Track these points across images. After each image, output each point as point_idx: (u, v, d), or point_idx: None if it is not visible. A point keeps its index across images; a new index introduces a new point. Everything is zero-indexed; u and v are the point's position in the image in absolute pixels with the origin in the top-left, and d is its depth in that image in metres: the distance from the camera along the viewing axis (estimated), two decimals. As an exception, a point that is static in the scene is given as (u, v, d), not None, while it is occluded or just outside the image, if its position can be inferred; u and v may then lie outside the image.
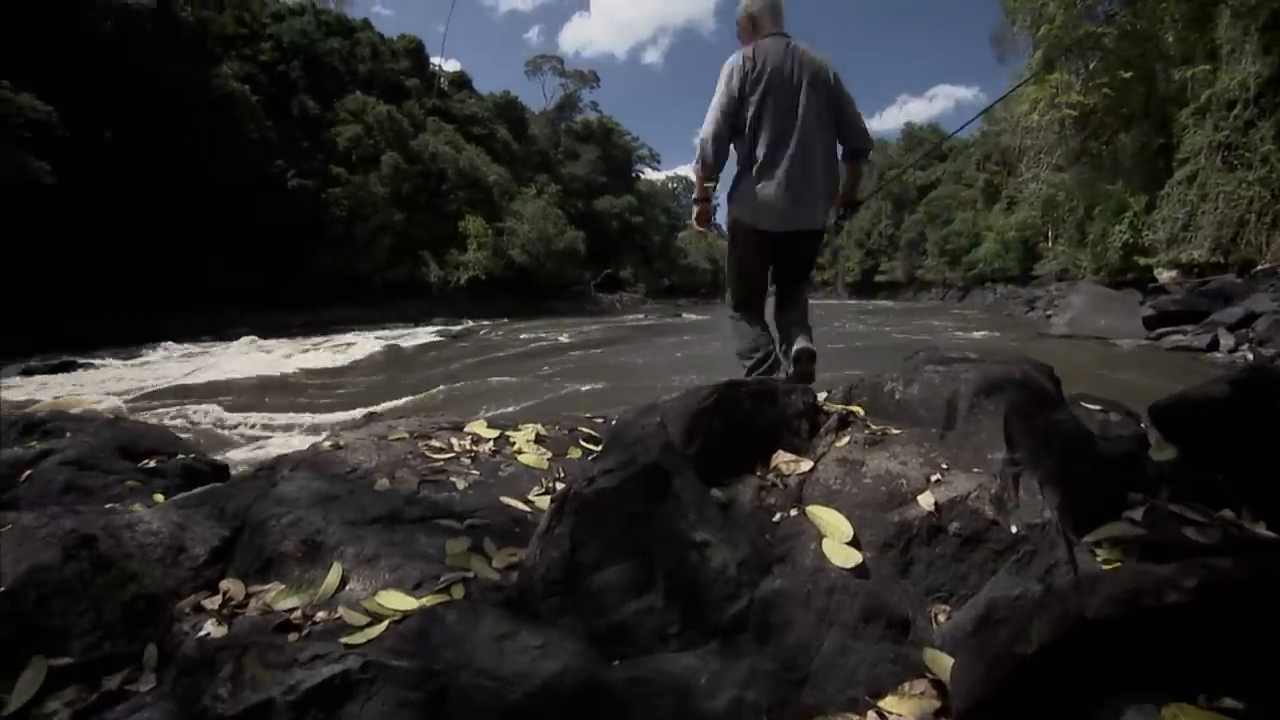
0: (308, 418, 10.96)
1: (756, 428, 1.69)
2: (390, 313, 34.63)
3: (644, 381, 14.03)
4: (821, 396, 2.16)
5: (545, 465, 2.19)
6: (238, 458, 7.41)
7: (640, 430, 1.51)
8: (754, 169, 2.54)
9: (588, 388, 13.59)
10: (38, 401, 11.46)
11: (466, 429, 2.42)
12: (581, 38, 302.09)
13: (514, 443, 2.37)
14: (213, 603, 1.48)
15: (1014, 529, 1.43)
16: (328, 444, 2.04)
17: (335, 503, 1.69)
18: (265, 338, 24.69)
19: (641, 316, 41.72)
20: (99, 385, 14.90)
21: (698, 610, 1.34)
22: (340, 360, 20.22)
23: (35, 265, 23.98)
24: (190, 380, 15.56)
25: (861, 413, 1.95)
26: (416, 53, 49.87)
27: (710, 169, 2.60)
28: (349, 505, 1.68)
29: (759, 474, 1.65)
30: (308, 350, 22.04)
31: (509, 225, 42.04)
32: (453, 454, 2.15)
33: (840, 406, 2.00)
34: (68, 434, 4.50)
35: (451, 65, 73.22)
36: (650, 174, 76.65)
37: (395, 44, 48.64)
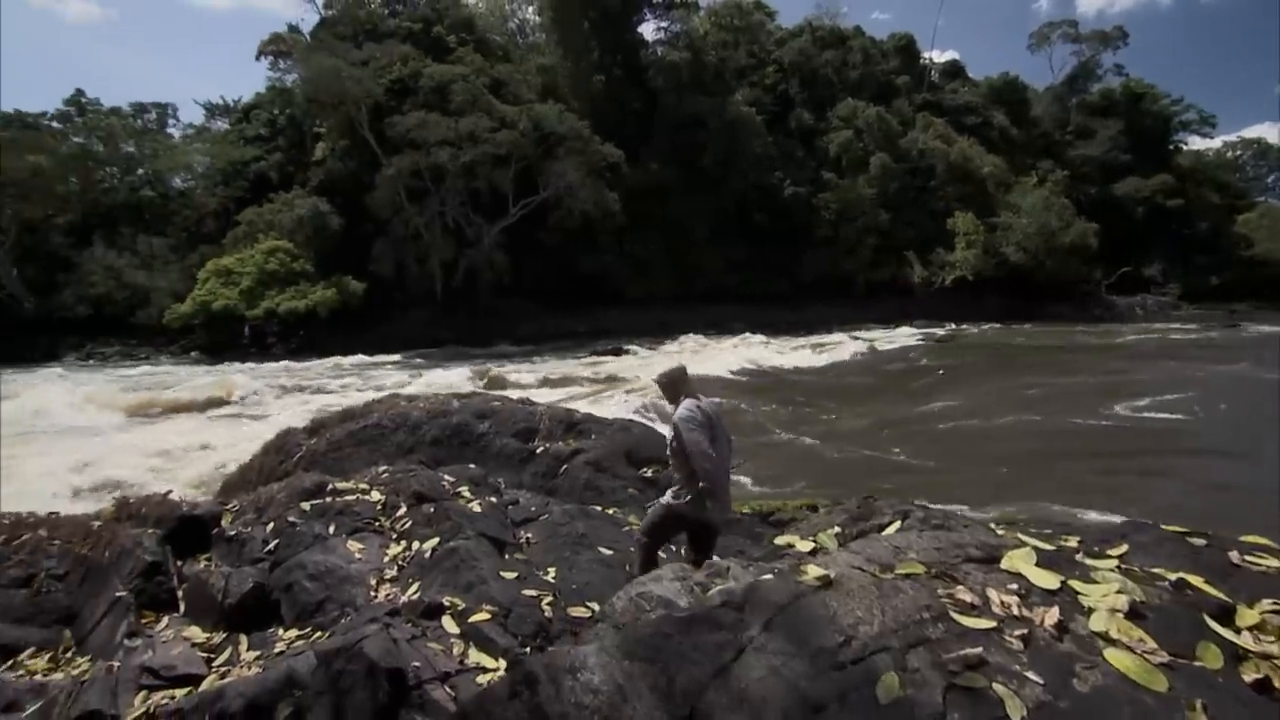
0: (784, 411, 11.28)
1: None
2: (869, 313, 34.35)
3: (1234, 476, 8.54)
4: None
5: (1163, 684, 1.16)
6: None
7: None
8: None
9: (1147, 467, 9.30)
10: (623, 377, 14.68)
11: (1005, 562, 1.54)
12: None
13: (1089, 609, 1.38)
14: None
15: None
16: (812, 574, 1.45)
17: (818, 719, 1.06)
18: (757, 333, 27.20)
19: (1176, 327, 30.89)
20: (638, 367, 18.47)
21: None
22: (821, 359, 20.76)
23: (584, 276, 31.48)
24: (693, 370, 17.95)
25: None
26: (907, 49, 48.14)
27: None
28: (838, 732, 1.04)
29: None
30: (794, 349, 23.34)
31: (1003, 220, 36.94)
32: (991, 621, 1.32)
33: None
34: (593, 435, 5.22)
35: (947, 55, 68.03)
36: (1198, 143, 56.12)
37: (885, 45, 47.90)
